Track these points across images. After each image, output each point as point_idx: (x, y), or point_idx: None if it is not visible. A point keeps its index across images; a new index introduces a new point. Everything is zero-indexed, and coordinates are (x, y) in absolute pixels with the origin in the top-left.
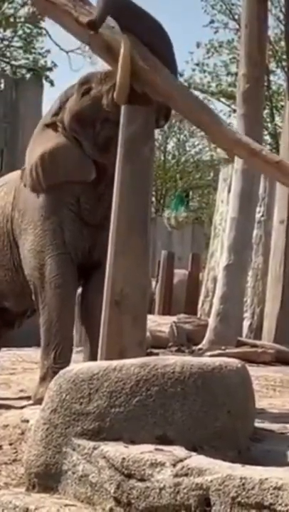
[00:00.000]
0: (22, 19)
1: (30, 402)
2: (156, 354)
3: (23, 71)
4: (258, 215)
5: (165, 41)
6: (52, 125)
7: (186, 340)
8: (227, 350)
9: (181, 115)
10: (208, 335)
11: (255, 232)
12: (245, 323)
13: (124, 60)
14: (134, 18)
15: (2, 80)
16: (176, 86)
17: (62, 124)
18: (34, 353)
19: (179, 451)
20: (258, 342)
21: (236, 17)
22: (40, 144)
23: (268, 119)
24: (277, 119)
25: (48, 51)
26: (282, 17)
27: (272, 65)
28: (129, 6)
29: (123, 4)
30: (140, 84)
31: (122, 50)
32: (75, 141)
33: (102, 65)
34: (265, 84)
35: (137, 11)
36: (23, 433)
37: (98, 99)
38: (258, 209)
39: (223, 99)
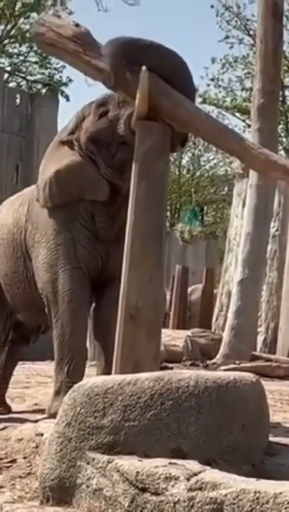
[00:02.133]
0: None
1: (45, 415)
2: (171, 368)
3: (39, 86)
4: (272, 230)
5: (183, 71)
6: (68, 143)
7: (201, 355)
8: (241, 365)
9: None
10: (223, 349)
11: (269, 246)
12: (260, 338)
13: (142, 90)
14: (147, 56)
15: (18, 95)
16: (200, 117)
17: (79, 143)
18: (48, 367)
19: (193, 465)
20: (272, 356)
21: (251, 32)
22: (54, 161)
23: (282, 134)
24: None
25: (64, 66)
26: None
27: (287, 80)
28: (140, 46)
29: (133, 49)
30: (163, 118)
31: (140, 81)
32: (90, 160)
33: None
34: (280, 99)
35: (148, 47)
36: (37, 447)
37: (115, 123)
38: (272, 224)
39: (237, 114)
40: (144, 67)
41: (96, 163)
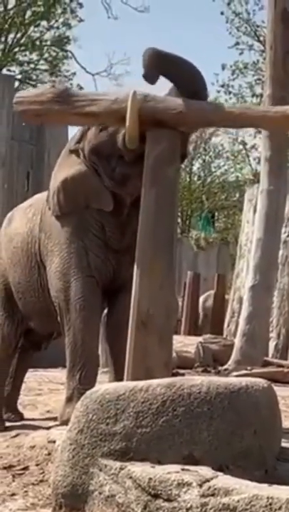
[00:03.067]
0: (48, 42)
1: (57, 422)
2: (183, 374)
3: None
4: (283, 236)
5: (204, 92)
6: (75, 152)
7: (212, 361)
8: (253, 370)
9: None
10: (234, 355)
11: (280, 252)
12: (271, 343)
13: (132, 109)
14: (178, 71)
15: None
16: (211, 107)
17: (83, 153)
18: (60, 374)
19: (205, 471)
20: (283, 362)
21: (261, 39)
22: (63, 169)
23: None
24: None
25: (74, 74)
26: None
27: None
28: (173, 60)
29: (167, 62)
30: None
31: (129, 102)
32: (94, 170)
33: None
34: None
35: (181, 62)
36: (49, 454)
37: (115, 137)
38: (283, 229)
39: None
40: (131, 92)
41: (99, 174)
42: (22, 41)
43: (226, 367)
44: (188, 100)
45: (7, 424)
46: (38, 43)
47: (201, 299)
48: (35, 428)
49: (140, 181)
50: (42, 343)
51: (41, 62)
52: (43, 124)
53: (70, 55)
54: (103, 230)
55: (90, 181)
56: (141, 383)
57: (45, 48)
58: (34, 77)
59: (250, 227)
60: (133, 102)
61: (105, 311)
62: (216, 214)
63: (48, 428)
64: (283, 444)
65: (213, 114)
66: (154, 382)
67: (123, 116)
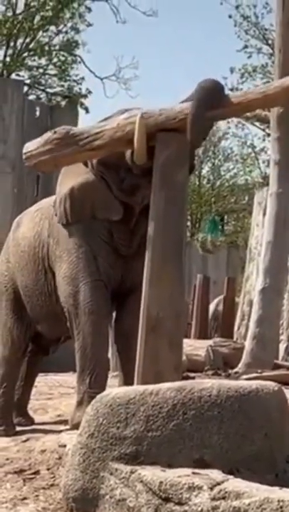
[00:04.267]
0: (57, 47)
1: (68, 426)
2: (193, 378)
3: (58, 98)
4: None
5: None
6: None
7: (223, 364)
8: (263, 373)
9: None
10: (245, 358)
11: None
12: (282, 346)
13: (139, 126)
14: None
15: (37, 107)
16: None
17: (91, 162)
18: (71, 378)
19: (216, 474)
20: None
21: (270, 42)
22: (71, 176)
23: None
24: None
25: (83, 78)
26: None
27: None
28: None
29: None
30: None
31: (137, 120)
32: (102, 180)
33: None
34: None
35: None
36: (60, 458)
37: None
38: None
39: (257, 124)
40: (138, 116)
41: (108, 184)
42: (31, 46)
43: (236, 370)
44: (185, 105)
45: (18, 428)
46: (46, 47)
47: (214, 303)
48: (46, 432)
49: (149, 190)
50: (50, 347)
51: (50, 66)
52: (58, 169)
53: (78, 59)
54: (112, 237)
55: (98, 192)
56: (151, 387)
57: (54, 52)
58: (43, 81)
59: (260, 230)
60: (140, 122)
61: (114, 315)
62: (226, 217)
63: (59, 432)
64: None
65: (216, 110)
66: (165, 385)
67: (129, 139)
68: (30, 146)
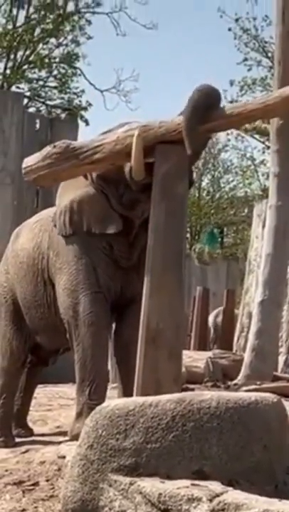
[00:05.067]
0: (57, 60)
1: (67, 438)
2: (192, 389)
3: (58, 111)
4: None
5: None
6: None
7: (222, 376)
8: (263, 385)
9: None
10: (244, 370)
11: None
12: (281, 358)
13: (137, 142)
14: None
15: (37, 120)
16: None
17: (90, 176)
18: (70, 390)
19: (215, 486)
20: None
21: (269, 54)
22: (71, 189)
23: None
24: None
25: (83, 91)
26: None
27: None
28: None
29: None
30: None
31: (134, 137)
32: (102, 194)
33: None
34: None
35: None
36: (59, 469)
37: (120, 168)
38: None
39: (256, 136)
40: (136, 134)
41: (108, 197)
42: (31, 58)
43: (235, 382)
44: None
45: (17, 439)
46: (46, 60)
47: (213, 315)
48: (45, 443)
49: (149, 204)
50: (49, 358)
51: (50, 79)
52: (60, 183)
53: (78, 72)
54: (112, 249)
55: (98, 204)
56: (150, 398)
57: (54, 65)
58: (43, 94)
59: (259, 243)
60: (138, 139)
61: (113, 326)
62: (225, 229)
63: (58, 443)
64: None
65: (215, 121)
66: (164, 397)
67: (129, 152)
68: (30, 161)
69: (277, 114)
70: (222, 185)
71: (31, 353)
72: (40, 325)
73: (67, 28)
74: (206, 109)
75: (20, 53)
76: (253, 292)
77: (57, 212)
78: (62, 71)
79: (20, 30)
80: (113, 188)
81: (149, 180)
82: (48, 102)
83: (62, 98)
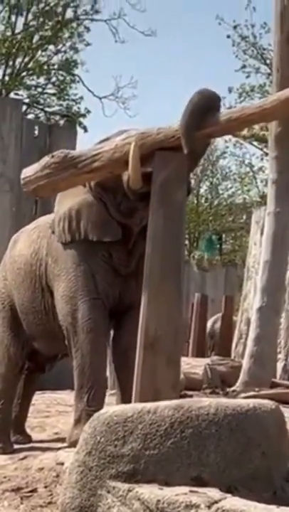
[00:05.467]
0: (55, 66)
1: (65, 444)
2: (190, 396)
3: (57, 117)
4: None
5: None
6: None
7: (220, 382)
8: (261, 392)
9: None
10: (242, 376)
11: (288, 273)
12: (279, 365)
13: (134, 152)
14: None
15: (36, 127)
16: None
17: (89, 184)
18: (68, 396)
19: (213, 492)
20: None
21: (268, 61)
22: (69, 196)
23: None
24: None
25: (81, 97)
26: None
27: None
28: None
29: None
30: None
31: (131, 146)
32: (100, 201)
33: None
34: None
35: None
36: (58, 476)
37: (118, 176)
38: None
39: (255, 143)
40: (132, 144)
41: (106, 205)
42: (30, 65)
43: (233, 388)
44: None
45: (15, 446)
46: (45, 67)
47: (211, 321)
48: (44, 450)
49: (147, 212)
50: (46, 364)
51: (49, 86)
52: (58, 192)
53: (77, 78)
54: (110, 256)
55: (96, 211)
56: (149, 405)
57: (53, 71)
58: (42, 101)
59: (258, 249)
60: (135, 148)
61: (112, 333)
62: (224, 236)
63: (57, 450)
64: None
65: (214, 126)
66: (162, 404)
67: (127, 160)
68: (28, 172)
69: (276, 118)
70: (220, 191)
71: (28, 360)
72: (37, 331)
73: (66, 34)
74: (205, 112)
75: (18, 60)
76: (252, 299)
77: (55, 219)
78: (61, 78)
79: (19, 37)
80: (111, 196)
81: (146, 189)
82: (47, 109)
83: (61, 105)
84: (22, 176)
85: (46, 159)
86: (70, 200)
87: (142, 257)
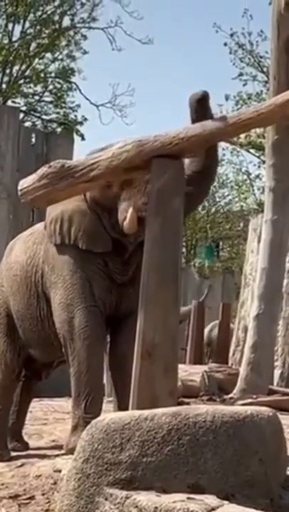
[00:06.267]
0: (52, 74)
1: (63, 451)
2: (188, 403)
3: (54, 125)
4: (287, 265)
5: None
6: None
7: (218, 389)
8: (258, 399)
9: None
10: (240, 384)
11: (285, 281)
12: (276, 372)
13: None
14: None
15: (33, 134)
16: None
17: (85, 195)
18: (66, 404)
19: (211, 499)
20: None
21: (265, 69)
22: (63, 201)
23: None
24: None
25: (78, 105)
26: None
27: None
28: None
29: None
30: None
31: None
32: (95, 213)
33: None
34: None
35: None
36: (55, 483)
37: (116, 200)
38: (287, 258)
39: (252, 151)
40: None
41: (100, 218)
42: (27, 73)
43: (231, 395)
44: (180, 129)
45: (13, 453)
46: (42, 74)
47: (208, 329)
48: (41, 457)
49: (143, 230)
50: (43, 371)
51: (46, 94)
52: (56, 203)
53: (74, 86)
54: (106, 264)
55: (88, 220)
56: (146, 412)
57: (50, 79)
58: (39, 108)
59: (255, 257)
60: (132, 213)
61: (108, 340)
62: (221, 243)
63: (54, 457)
64: None
65: (210, 132)
66: (160, 411)
67: (125, 168)
68: (26, 183)
69: (272, 122)
70: (217, 199)
71: (25, 367)
72: (33, 338)
73: (63, 42)
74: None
75: (16, 68)
76: (249, 306)
77: (47, 220)
78: (58, 86)
79: (16, 44)
80: (107, 214)
81: (142, 233)
82: (44, 117)
83: (58, 113)
84: (19, 187)
85: (43, 169)
86: (64, 204)
87: (139, 265)
